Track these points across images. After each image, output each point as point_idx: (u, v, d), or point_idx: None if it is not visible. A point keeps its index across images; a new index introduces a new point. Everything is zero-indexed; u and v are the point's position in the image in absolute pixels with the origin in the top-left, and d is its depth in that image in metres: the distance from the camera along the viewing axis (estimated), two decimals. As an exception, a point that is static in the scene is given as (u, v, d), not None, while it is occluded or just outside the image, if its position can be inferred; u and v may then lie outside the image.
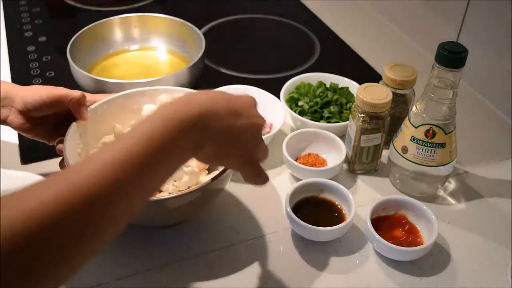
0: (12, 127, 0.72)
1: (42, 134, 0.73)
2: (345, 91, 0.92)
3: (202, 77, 0.96)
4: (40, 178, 0.79)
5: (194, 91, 0.79)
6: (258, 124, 0.58)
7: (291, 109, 0.89)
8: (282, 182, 0.81)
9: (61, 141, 0.69)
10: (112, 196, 0.43)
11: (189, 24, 1.02)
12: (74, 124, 0.70)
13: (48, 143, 0.73)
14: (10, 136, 0.86)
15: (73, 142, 0.69)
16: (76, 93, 0.70)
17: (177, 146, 0.48)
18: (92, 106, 0.74)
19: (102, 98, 0.75)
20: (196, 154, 0.52)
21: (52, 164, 0.79)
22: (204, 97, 0.53)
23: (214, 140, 0.53)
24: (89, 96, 0.74)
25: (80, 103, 0.71)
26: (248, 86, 0.92)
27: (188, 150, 0.50)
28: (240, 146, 0.56)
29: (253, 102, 0.59)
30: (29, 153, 0.83)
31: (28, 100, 0.69)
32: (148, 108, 0.76)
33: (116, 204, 0.43)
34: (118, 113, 0.76)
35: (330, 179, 0.76)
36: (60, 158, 0.71)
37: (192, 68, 0.91)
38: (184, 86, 0.83)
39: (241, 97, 0.58)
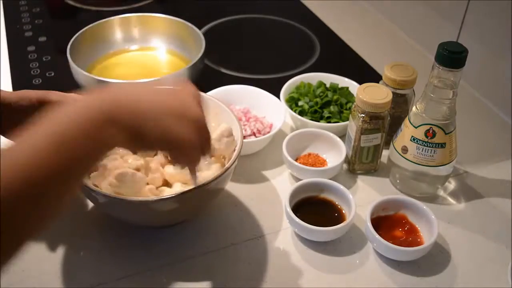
0: (2, 134, 0.69)
1: None
2: (345, 91, 0.91)
3: (202, 77, 0.96)
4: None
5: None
6: (200, 118, 0.56)
7: (291, 109, 0.89)
8: (282, 182, 0.81)
9: None
10: (21, 198, 0.42)
11: (189, 24, 1.02)
12: None
13: None
14: (10, 136, 0.86)
15: None
16: (68, 98, 0.68)
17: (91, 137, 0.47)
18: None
19: None
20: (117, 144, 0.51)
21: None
22: (109, 95, 0.51)
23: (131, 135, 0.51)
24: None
25: None
26: (248, 86, 0.92)
27: (103, 141, 0.49)
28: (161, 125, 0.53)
29: (193, 95, 0.57)
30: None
31: (16, 106, 0.66)
32: None
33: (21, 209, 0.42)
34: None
35: (330, 179, 0.76)
36: None
37: (192, 68, 0.91)
38: (184, 86, 0.83)
39: (175, 91, 0.56)
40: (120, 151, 0.71)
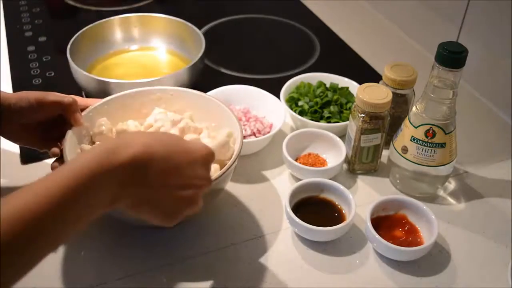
0: (1, 135, 0.70)
1: (32, 142, 0.71)
2: (345, 91, 0.91)
3: (202, 77, 0.96)
4: (40, 178, 0.79)
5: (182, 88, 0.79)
6: (197, 186, 0.54)
7: (291, 109, 0.89)
8: (282, 182, 0.81)
9: (56, 146, 0.69)
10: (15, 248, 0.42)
11: (189, 24, 1.02)
12: (69, 132, 0.69)
13: (39, 150, 0.72)
14: (10, 136, 0.86)
15: (72, 148, 0.69)
16: (67, 98, 0.68)
17: (87, 201, 0.46)
18: (92, 107, 0.74)
19: (94, 102, 0.74)
20: (111, 208, 0.49)
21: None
22: (140, 146, 0.49)
23: (133, 196, 0.50)
24: (81, 101, 0.73)
25: (72, 109, 0.69)
26: (248, 86, 0.92)
27: (99, 206, 0.48)
28: (160, 207, 0.53)
29: (202, 159, 0.55)
30: (29, 153, 0.82)
31: (15, 107, 0.67)
32: (158, 111, 0.76)
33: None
34: (118, 113, 0.76)
35: (330, 179, 0.76)
36: (53, 159, 0.70)
37: (192, 68, 0.91)
38: (184, 86, 0.83)
39: (190, 152, 0.54)
40: None
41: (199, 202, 0.56)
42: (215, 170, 0.69)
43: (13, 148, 0.83)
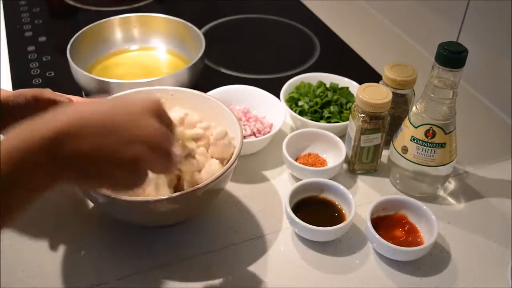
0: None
1: None
2: (345, 91, 0.91)
3: (202, 77, 0.96)
4: None
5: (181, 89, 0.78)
6: (146, 142, 0.50)
7: (291, 109, 0.89)
8: (282, 182, 0.81)
9: None
10: None
11: (189, 24, 1.02)
12: None
13: None
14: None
15: None
16: (62, 98, 0.68)
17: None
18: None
19: None
20: (54, 185, 0.47)
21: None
22: (64, 117, 0.47)
23: (74, 170, 0.48)
24: (78, 100, 0.73)
25: None
26: (248, 86, 0.92)
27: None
28: (108, 176, 0.50)
29: (147, 111, 0.51)
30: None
31: (13, 104, 0.66)
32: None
33: None
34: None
35: (330, 179, 0.76)
36: None
37: (192, 68, 0.91)
38: (184, 86, 0.83)
39: (129, 108, 0.51)
40: None
41: (157, 158, 0.51)
42: (215, 165, 0.69)
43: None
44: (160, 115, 0.52)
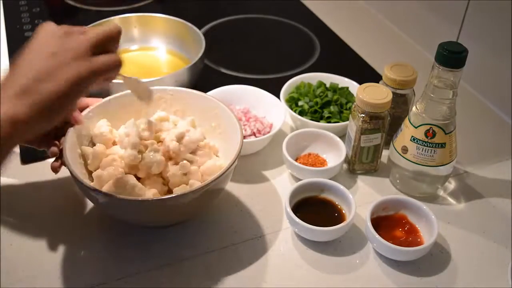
0: None
1: (31, 140, 0.70)
2: (345, 91, 0.92)
3: (202, 77, 0.96)
4: (40, 178, 0.79)
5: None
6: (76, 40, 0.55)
7: (291, 109, 0.89)
8: (282, 182, 0.81)
9: (54, 145, 0.69)
10: None
11: (189, 24, 1.02)
12: (71, 130, 0.69)
13: (37, 148, 0.72)
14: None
15: (73, 147, 0.69)
16: None
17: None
18: (92, 107, 0.74)
19: (93, 102, 0.74)
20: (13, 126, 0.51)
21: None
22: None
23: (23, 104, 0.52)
24: (80, 101, 0.72)
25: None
26: (248, 86, 0.92)
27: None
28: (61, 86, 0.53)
29: (50, 30, 0.56)
30: (29, 153, 0.82)
31: None
32: (159, 115, 0.76)
33: None
34: (118, 113, 0.76)
35: (330, 179, 0.76)
36: (52, 159, 0.70)
37: (192, 68, 0.91)
38: (184, 86, 0.83)
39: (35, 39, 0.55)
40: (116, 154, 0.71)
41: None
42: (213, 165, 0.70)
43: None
44: (69, 32, 0.56)
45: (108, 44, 0.58)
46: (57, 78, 0.52)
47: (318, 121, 0.87)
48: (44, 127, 0.54)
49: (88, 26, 0.99)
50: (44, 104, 0.52)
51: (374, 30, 1.21)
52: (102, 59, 0.56)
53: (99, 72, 0.55)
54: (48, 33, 0.55)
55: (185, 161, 0.70)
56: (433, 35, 1.06)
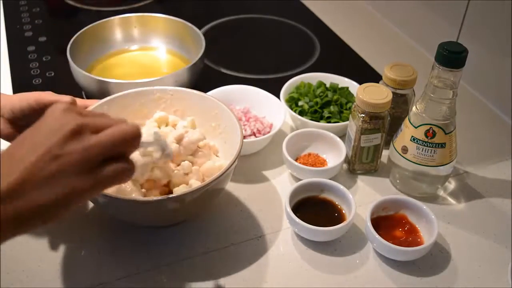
0: (2, 137, 0.69)
1: None
2: (345, 91, 0.92)
3: (202, 77, 0.96)
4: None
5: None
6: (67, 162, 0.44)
7: (291, 109, 0.89)
8: (282, 182, 0.81)
9: None
10: None
11: (189, 24, 1.02)
12: None
13: None
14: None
15: None
16: (66, 98, 0.68)
17: None
18: (92, 107, 0.74)
19: (93, 103, 0.74)
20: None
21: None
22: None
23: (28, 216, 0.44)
24: (79, 102, 0.73)
25: None
26: (248, 86, 0.92)
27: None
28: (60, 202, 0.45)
29: (59, 137, 0.45)
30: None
31: (15, 107, 0.67)
32: (159, 115, 0.76)
33: None
34: (118, 113, 0.76)
35: (330, 179, 0.76)
36: None
37: (192, 68, 0.91)
38: (184, 86, 0.83)
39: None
40: None
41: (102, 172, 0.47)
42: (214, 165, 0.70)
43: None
44: (79, 130, 0.46)
45: (123, 147, 0.49)
46: (53, 188, 0.44)
47: (318, 121, 0.87)
48: (29, 230, 0.46)
49: (88, 26, 0.99)
50: (31, 213, 0.44)
51: (374, 30, 1.21)
52: (111, 171, 0.47)
53: (104, 186, 0.48)
54: (56, 124, 0.46)
55: (186, 161, 0.70)
56: (433, 35, 1.06)
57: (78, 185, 0.45)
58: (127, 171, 0.49)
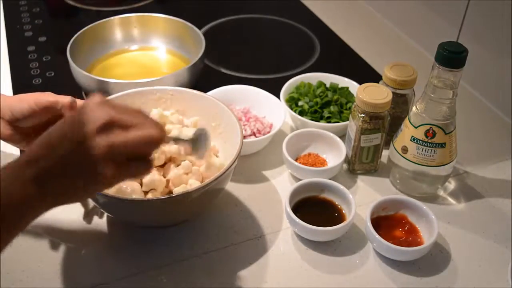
0: (1, 139, 0.69)
1: (31, 142, 0.71)
2: (345, 91, 0.92)
3: (202, 77, 0.96)
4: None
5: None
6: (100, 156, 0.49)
7: (291, 109, 0.89)
8: (282, 182, 0.81)
9: None
10: None
11: (189, 24, 1.02)
12: None
13: None
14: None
15: None
16: (66, 98, 0.68)
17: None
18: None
19: None
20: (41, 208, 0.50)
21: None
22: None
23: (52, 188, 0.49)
24: (79, 102, 0.73)
25: (72, 108, 0.69)
26: (248, 86, 0.92)
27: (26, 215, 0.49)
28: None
29: (89, 133, 0.49)
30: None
31: (15, 108, 0.67)
32: (155, 113, 0.76)
33: None
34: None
35: (330, 179, 0.76)
36: None
37: (192, 68, 0.91)
38: (184, 86, 0.83)
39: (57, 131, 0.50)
40: None
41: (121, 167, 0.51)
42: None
43: (14, 150, 0.83)
44: (109, 125, 0.50)
45: (146, 148, 0.52)
46: (77, 172, 0.50)
47: (318, 121, 0.87)
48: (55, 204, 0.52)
49: (88, 26, 0.99)
50: (57, 194, 0.50)
51: (374, 30, 1.21)
52: (134, 169, 0.52)
53: (122, 180, 0.53)
54: (90, 116, 0.49)
55: (186, 161, 0.70)
56: (433, 35, 1.06)
57: (101, 173, 0.49)
58: (145, 171, 0.53)
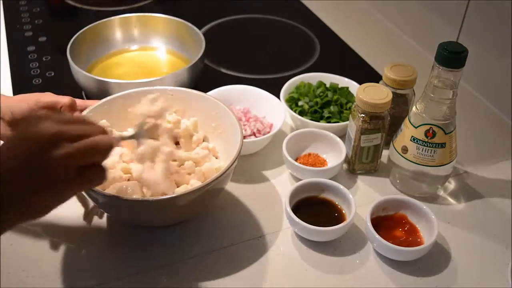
0: (1, 139, 0.69)
1: None
2: (345, 91, 0.92)
3: (202, 77, 0.96)
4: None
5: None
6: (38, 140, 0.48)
7: (291, 109, 0.89)
8: (282, 182, 0.81)
9: None
10: None
11: (189, 24, 1.02)
12: None
13: None
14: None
15: None
16: (65, 99, 0.68)
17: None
18: (92, 107, 0.74)
19: (93, 103, 0.74)
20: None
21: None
22: None
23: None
24: (79, 102, 0.73)
25: (72, 108, 0.69)
26: (248, 86, 0.92)
27: None
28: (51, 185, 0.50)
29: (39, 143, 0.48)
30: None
31: (15, 109, 0.67)
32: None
33: None
34: (118, 113, 0.76)
35: (330, 179, 0.76)
36: None
37: (192, 68, 0.91)
38: (184, 86, 0.83)
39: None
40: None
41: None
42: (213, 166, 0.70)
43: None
44: (54, 140, 0.49)
45: (96, 156, 0.52)
46: (33, 183, 0.49)
47: (318, 121, 0.87)
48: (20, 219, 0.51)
49: (88, 26, 0.99)
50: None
51: (374, 30, 1.21)
52: (87, 178, 0.52)
53: (77, 189, 0.54)
54: (33, 134, 0.49)
55: (190, 161, 0.70)
56: (433, 35, 1.06)
57: (54, 187, 0.49)
58: (99, 178, 0.53)
